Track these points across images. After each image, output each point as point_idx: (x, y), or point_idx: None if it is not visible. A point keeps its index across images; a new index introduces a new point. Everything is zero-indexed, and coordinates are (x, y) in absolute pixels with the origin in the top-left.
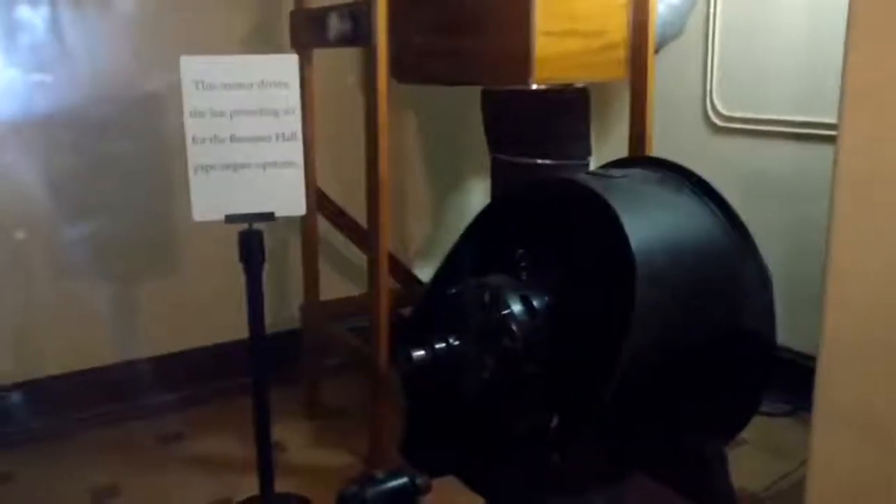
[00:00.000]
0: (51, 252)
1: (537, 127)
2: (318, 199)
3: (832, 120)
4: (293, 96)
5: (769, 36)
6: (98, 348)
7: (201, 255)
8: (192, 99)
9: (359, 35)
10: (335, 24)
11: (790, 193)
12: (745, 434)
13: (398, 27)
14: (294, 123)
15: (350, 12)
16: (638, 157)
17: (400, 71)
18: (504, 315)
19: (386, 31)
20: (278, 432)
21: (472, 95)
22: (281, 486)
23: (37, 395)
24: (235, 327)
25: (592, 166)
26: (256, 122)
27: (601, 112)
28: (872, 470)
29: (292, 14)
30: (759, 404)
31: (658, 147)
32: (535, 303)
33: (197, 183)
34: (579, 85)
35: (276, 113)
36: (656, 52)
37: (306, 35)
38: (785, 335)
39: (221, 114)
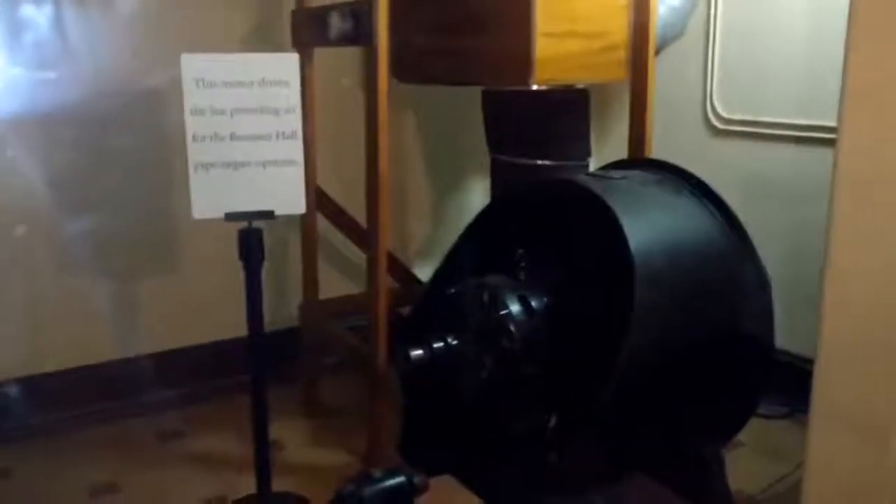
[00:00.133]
0: (52, 248)
1: (537, 128)
2: (317, 198)
3: (832, 123)
4: (294, 95)
5: (770, 38)
6: (97, 345)
7: (202, 253)
8: (192, 97)
9: (360, 34)
10: (336, 23)
11: (789, 196)
12: (742, 436)
13: (399, 26)
14: (294, 122)
15: (351, 11)
16: (637, 159)
17: (401, 70)
18: (502, 315)
19: (387, 30)
20: (276, 430)
21: (472, 95)
22: (279, 484)
23: (36, 391)
24: (235, 325)
25: (592, 167)
26: (257, 120)
27: (601, 113)
28: (870, 471)
29: (293, 13)
30: (756, 406)
31: (658, 149)
32: (533, 303)
33: (197, 181)
34: (580, 86)
35: (276, 111)
36: (657, 53)
37: (307, 34)
38: (783, 338)
39: (222, 112)
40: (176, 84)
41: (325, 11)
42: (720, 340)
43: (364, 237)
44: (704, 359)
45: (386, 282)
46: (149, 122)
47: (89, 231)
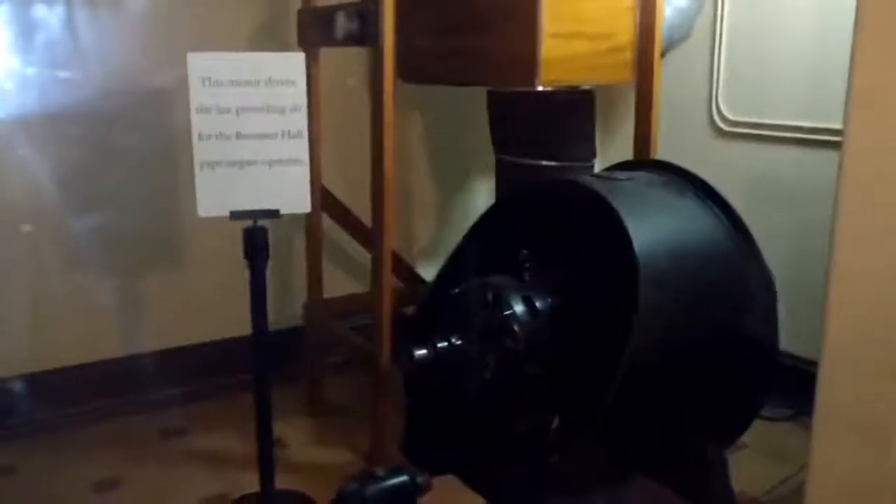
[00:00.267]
0: (58, 246)
1: (543, 128)
2: (322, 198)
3: (838, 125)
4: (300, 94)
5: (776, 40)
6: (102, 342)
7: (207, 251)
8: (198, 95)
9: (366, 34)
10: (342, 24)
11: (794, 198)
12: (745, 438)
13: (405, 27)
14: (300, 121)
15: (357, 11)
16: (643, 160)
17: (406, 71)
18: (506, 315)
19: (393, 30)
20: (280, 429)
21: (478, 96)
22: (281, 482)
23: (41, 388)
24: (239, 323)
25: (597, 168)
26: (263, 119)
27: (607, 114)
28: (873, 473)
29: (300, 12)
30: (760, 408)
31: (663, 150)
32: (537, 304)
33: (202, 179)
34: (585, 87)
35: (282, 110)
36: (663, 55)
37: (313, 33)
38: (787, 340)
39: (228, 111)
40: (182, 83)
41: (331, 11)
42: (724, 342)
43: (369, 237)
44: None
45: (390, 281)
46: (156, 121)
47: (95, 229)
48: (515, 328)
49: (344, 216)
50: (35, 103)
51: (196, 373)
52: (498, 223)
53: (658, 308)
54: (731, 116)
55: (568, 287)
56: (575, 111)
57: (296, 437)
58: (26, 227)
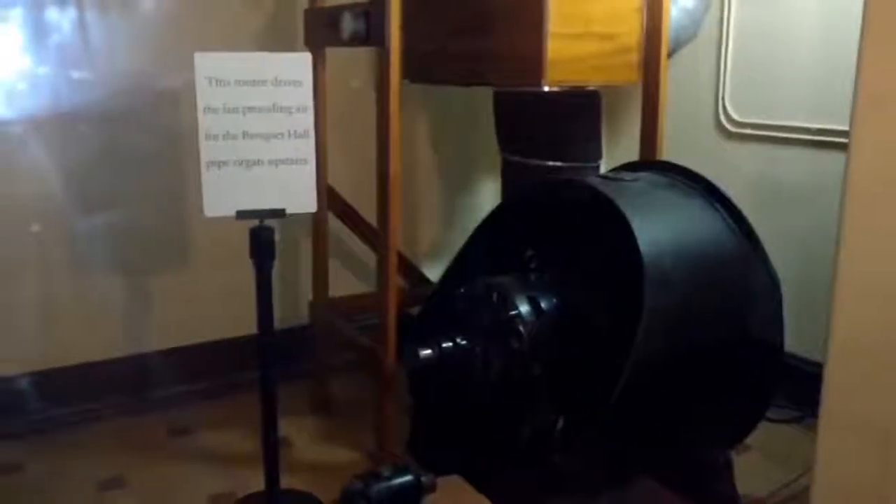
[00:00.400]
0: (66, 245)
1: (549, 129)
2: (328, 197)
3: (844, 127)
4: (306, 94)
5: (782, 41)
6: (109, 341)
7: (213, 251)
8: (205, 95)
9: (372, 35)
10: (349, 24)
11: (801, 200)
12: (750, 440)
13: (411, 27)
14: (306, 121)
15: (363, 12)
16: (649, 161)
17: (412, 71)
18: (512, 316)
19: (399, 30)
20: (285, 428)
21: (484, 96)
22: (287, 481)
23: (47, 386)
24: (246, 322)
25: (603, 169)
26: (269, 119)
27: (613, 115)
28: (878, 476)
29: (306, 12)
30: (765, 410)
31: (669, 151)
32: (542, 304)
33: (209, 179)
34: (592, 87)
35: (288, 110)
36: (669, 55)
37: (320, 34)
38: (794, 342)
39: (234, 110)
40: (190, 82)
41: (337, 12)
42: (729, 343)
43: (374, 236)
44: (713, 362)
45: (396, 281)
46: (162, 121)
47: (102, 228)
48: (521, 329)
49: (350, 216)
50: (43, 103)
51: (202, 372)
52: (503, 223)
53: (663, 309)
54: (737, 117)
55: (573, 287)
56: (581, 112)
57: (301, 437)
58: (34, 227)
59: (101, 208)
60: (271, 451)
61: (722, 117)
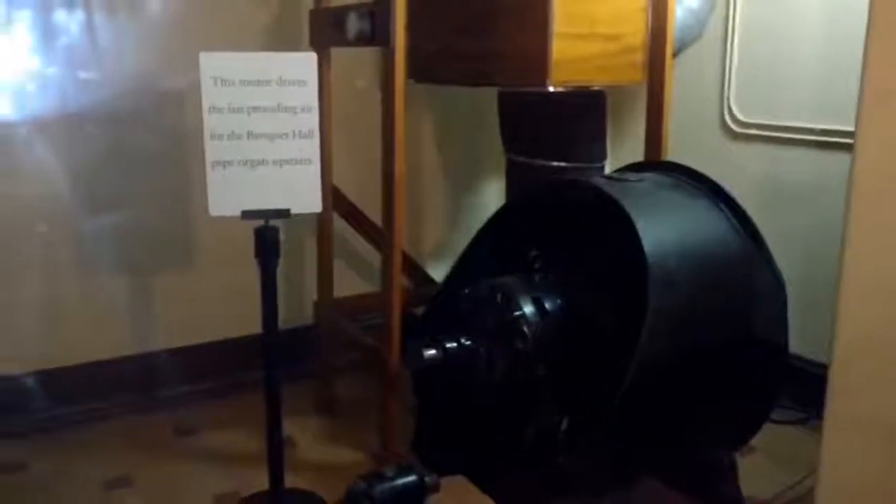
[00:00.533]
0: (72, 245)
1: (554, 129)
2: (333, 197)
3: (850, 127)
4: (311, 94)
5: (788, 41)
6: (114, 340)
7: (218, 251)
8: (210, 95)
9: (377, 35)
10: (354, 24)
11: (806, 200)
12: (754, 442)
13: (416, 27)
14: (311, 121)
15: (369, 12)
16: (654, 162)
17: (417, 71)
18: (516, 316)
19: (404, 31)
20: (289, 428)
21: (489, 96)
22: (291, 481)
23: (53, 385)
24: (250, 322)
25: (608, 169)
26: (274, 119)
27: (618, 115)
28: (883, 477)
29: (311, 13)
30: (770, 411)
31: (674, 151)
32: (546, 304)
33: (214, 178)
34: (596, 88)
35: (293, 110)
36: (675, 56)
37: (325, 34)
38: (798, 343)
39: (239, 110)
40: (194, 83)
41: (342, 12)
42: (734, 344)
43: (379, 236)
44: (717, 362)
45: (400, 281)
46: (167, 121)
47: (108, 228)
48: (525, 329)
49: (354, 216)
50: (50, 104)
51: (207, 371)
52: (508, 224)
53: (667, 309)
54: (742, 118)
55: (577, 288)
56: (586, 112)
57: (305, 436)
58: (41, 227)
59: (108, 208)
60: (276, 451)
61: (727, 117)
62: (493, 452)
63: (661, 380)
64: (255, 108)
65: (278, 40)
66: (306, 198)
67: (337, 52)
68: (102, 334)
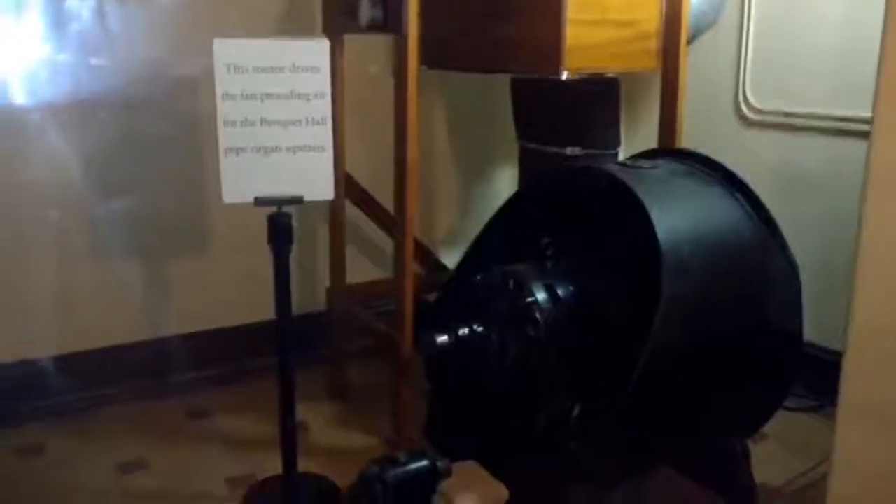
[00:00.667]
0: (85, 231)
1: (567, 116)
2: (346, 184)
3: (866, 114)
4: (324, 81)
5: (804, 28)
6: (129, 325)
7: (232, 237)
8: (224, 82)
9: (390, 22)
10: (366, 11)
11: (822, 188)
12: (768, 429)
13: (429, 14)
14: (324, 108)
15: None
16: (667, 149)
17: (430, 58)
18: (528, 303)
19: (417, 18)
20: (302, 413)
21: (502, 83)
22: (303, 465)
23: (69, 370)
24: (264, 308)
25: (622, 156)
26: (287, 105)
27: (632, 102)
28: None
29: (324, 0)
30: (783, 398)
31: (688, 139)
32: (559, 291)
33: (227, 165)
34: (610, 75)
35: (306, 97)
36: (689, 42)
37: (338, 21)
38: (812, 330)
39: (252, 97)
40: (208, 69)
41: None
42: (747, 331)
43: (391, 223)
44: (731, 349)
45: (412, 268)
46: (180, 107)
47: (122, 214)
48: (537, 316)
49: (367, 203)
50: (63, 91)
51: (221, 356)
52: (521, 211)
53: (681, 296)
54: (757, 105)
55: (590, 274)
56: (600, 99)
57: (318, 421)
58: (55, 213)
59: (121, 194)
60: (289, 436)
61: (742, 105)
62: (505, 438)
63: (674, 367)
64: (269, 95)
65: (291, 27)
66: (319, 185)
67: (350, 39)
68: (116, 320)
